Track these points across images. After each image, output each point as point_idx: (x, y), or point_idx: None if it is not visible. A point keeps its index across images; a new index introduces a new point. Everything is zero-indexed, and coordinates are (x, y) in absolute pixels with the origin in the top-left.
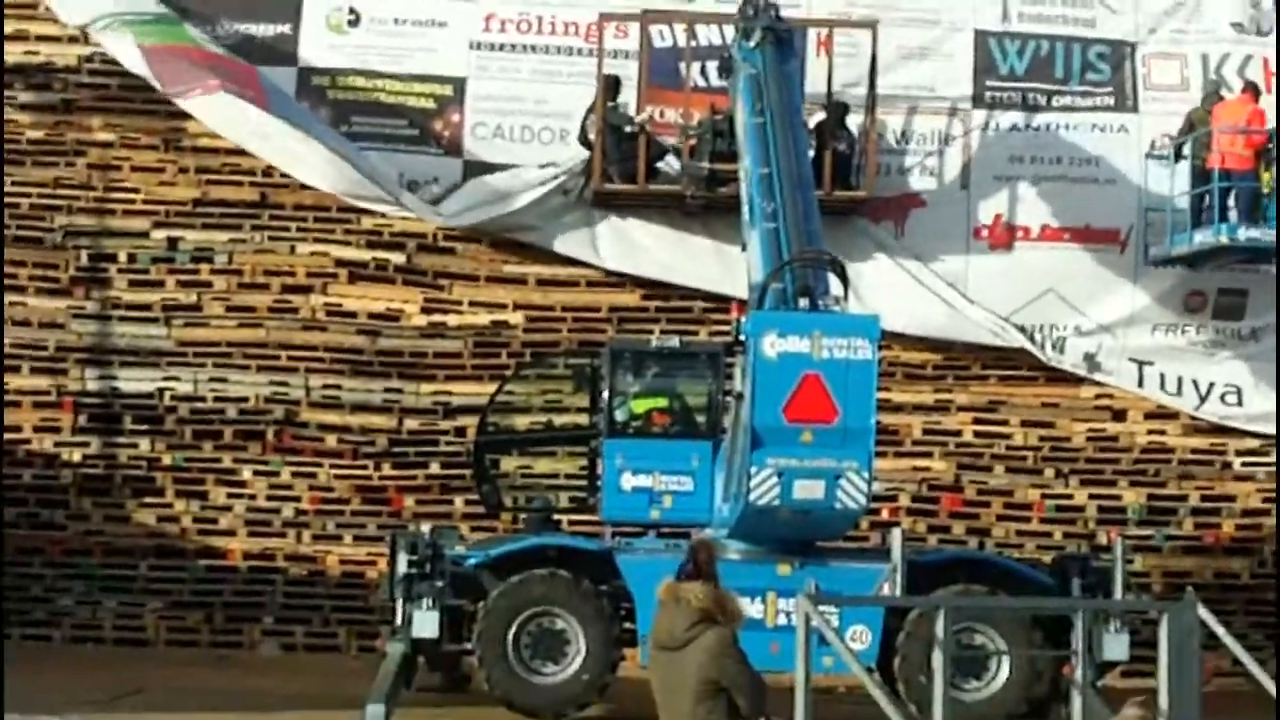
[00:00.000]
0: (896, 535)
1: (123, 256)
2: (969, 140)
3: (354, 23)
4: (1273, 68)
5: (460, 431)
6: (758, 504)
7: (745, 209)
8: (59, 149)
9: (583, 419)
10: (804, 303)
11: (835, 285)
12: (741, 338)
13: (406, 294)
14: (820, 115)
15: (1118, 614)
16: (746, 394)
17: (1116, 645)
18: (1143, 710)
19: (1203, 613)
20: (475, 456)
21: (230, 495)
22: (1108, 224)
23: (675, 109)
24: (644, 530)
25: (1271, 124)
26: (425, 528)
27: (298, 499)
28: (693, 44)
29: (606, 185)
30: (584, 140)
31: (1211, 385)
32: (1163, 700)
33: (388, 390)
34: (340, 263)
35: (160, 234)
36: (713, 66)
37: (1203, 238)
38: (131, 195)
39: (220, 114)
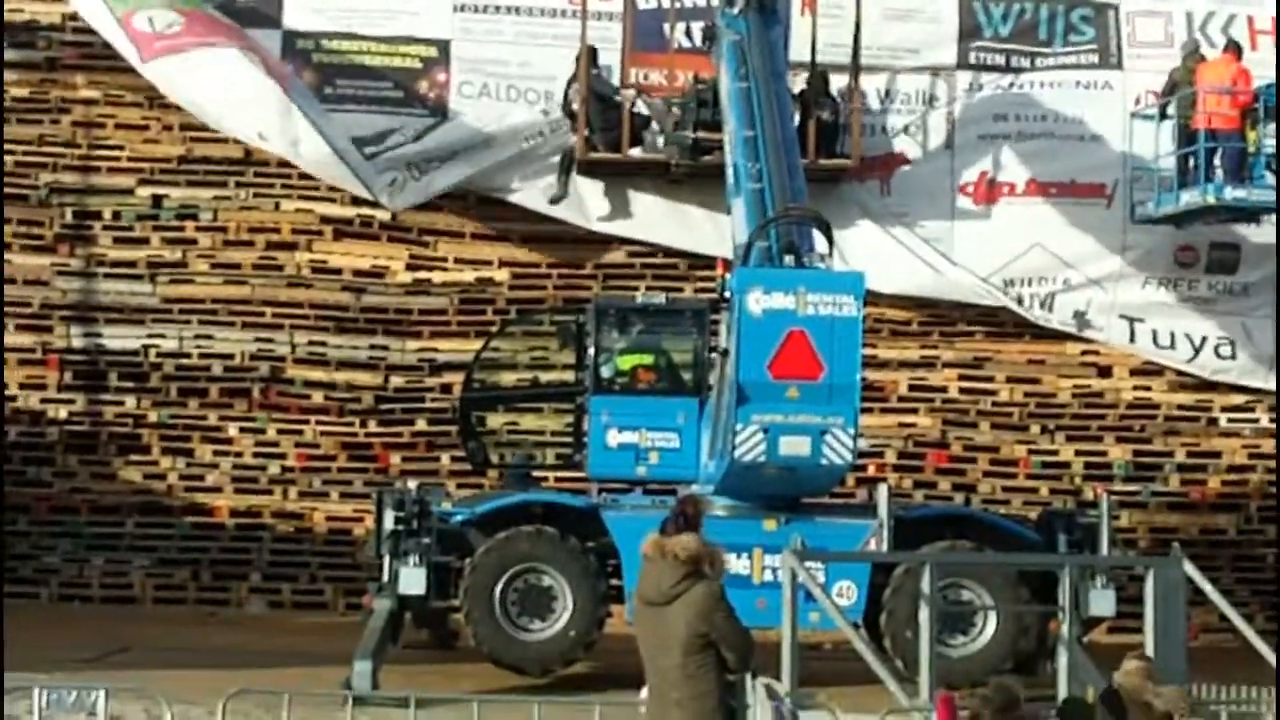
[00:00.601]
0: (883, 491)
1: (107, 213)
2: (953, 101)
3: None
4: (1257, 26)
5: (446, 388)
6: (743, 460)
7: (730, 174)
8: (43, 106)
9: (569, 376)
10: (789, 260)
11: (820, 243)
12: (727, 294)
13: (391, 251)
14: (802, 85)
15: (1104, 570)
16: (732, 350)
17: (1103, 601)
18: (1143, 661)
19: (1189, 568)
20: (461, 413)
21: (216, 452)
22: (1093, 179)
23: (659, 70)
24: (630, 487)
25: (1256, 83)
26: (412, 484)
27: (284, 456)
28: (676, 5)
29: (591, 154)
30: (568, 111)
31: (1205, 339)
32: (1149, 655)
33: (373, 347)
34: (325, 220)
35: (145, 191)
36: (697, 28)
37: (1189, 198)
38: (116, 152)
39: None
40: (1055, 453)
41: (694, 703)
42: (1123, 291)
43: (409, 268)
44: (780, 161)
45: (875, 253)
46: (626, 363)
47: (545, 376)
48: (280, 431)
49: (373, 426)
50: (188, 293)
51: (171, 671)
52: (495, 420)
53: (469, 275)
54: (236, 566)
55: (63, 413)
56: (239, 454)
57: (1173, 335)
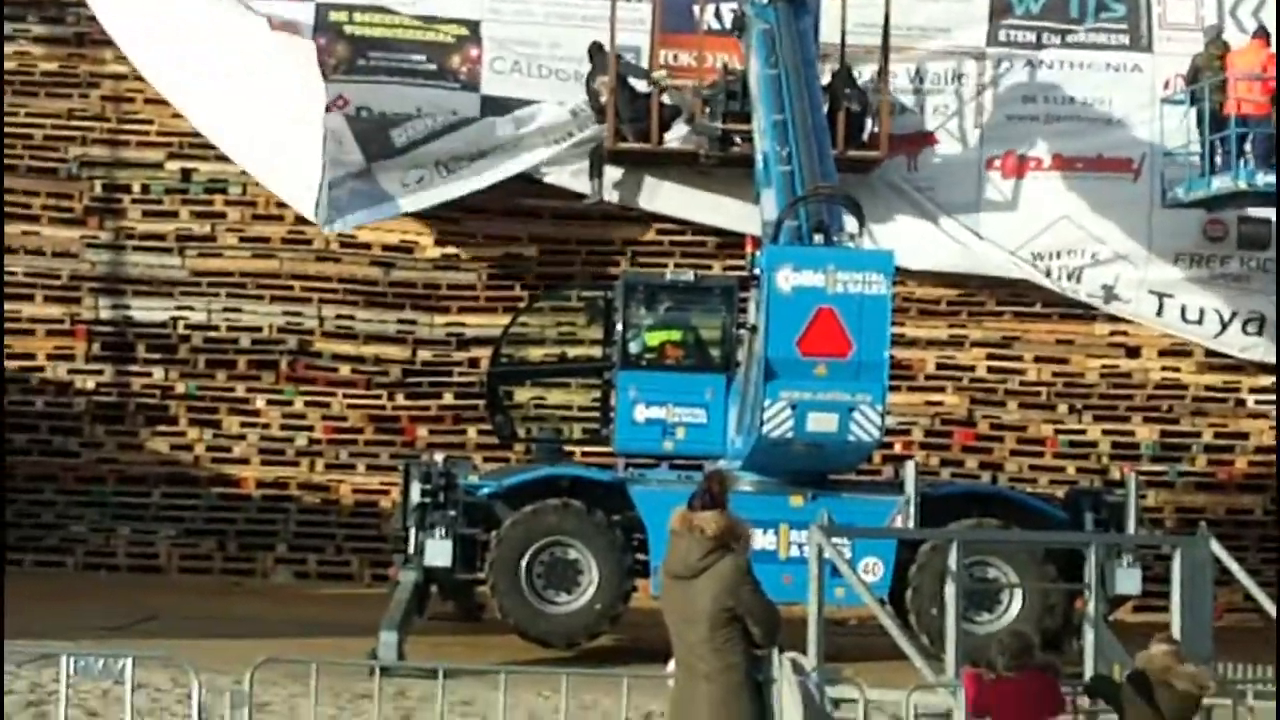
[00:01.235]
0: (910, 468)
1: (136, 187)
2: (983, 80)
3: None
4: None
5: (474, 363)
6: (771, 436)
7: (759, 161)
8: (72, 81)
9: (596, 351)
10: (818, 239)
11: (850, 222)
12: (756, 271)
13: (420, 226)
14: (828, 77)
15: (1130, 548)
16: (761, 327)
17: (1129, 580)
18: (1171, 645)
19: (1215, 548)
20: (489, 387)
21: (243, 424)
22: (1120, 154)
23: (689, 52)
24: (657, 462)
25: None
26: (438, 457)
27: (311, 428)
28: None
29: (620, 144)
30: (594, 103)
31: (1234, 314)
32: (1175, 634)
33: (401, 321)
34: None
35: (174, 165)
36: (727, 9)
37: (1220, 183)
38: (145, 127)
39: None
40: (1083, 432)
41: (721, 676)
42: (1153, 267)
43: (438, 243)
44: (810, 145)
45: (902, 229)
46: (654, 339)
47: (573, 352)
48: (307, 404)
49: (400, 400)
50: (216, 266)
51: (198, 641)
52: (522, 395)
53: (497, 250)
54: (262, 537)
55: (90, 383)
56: (266, 426)
57: (1201, 311)
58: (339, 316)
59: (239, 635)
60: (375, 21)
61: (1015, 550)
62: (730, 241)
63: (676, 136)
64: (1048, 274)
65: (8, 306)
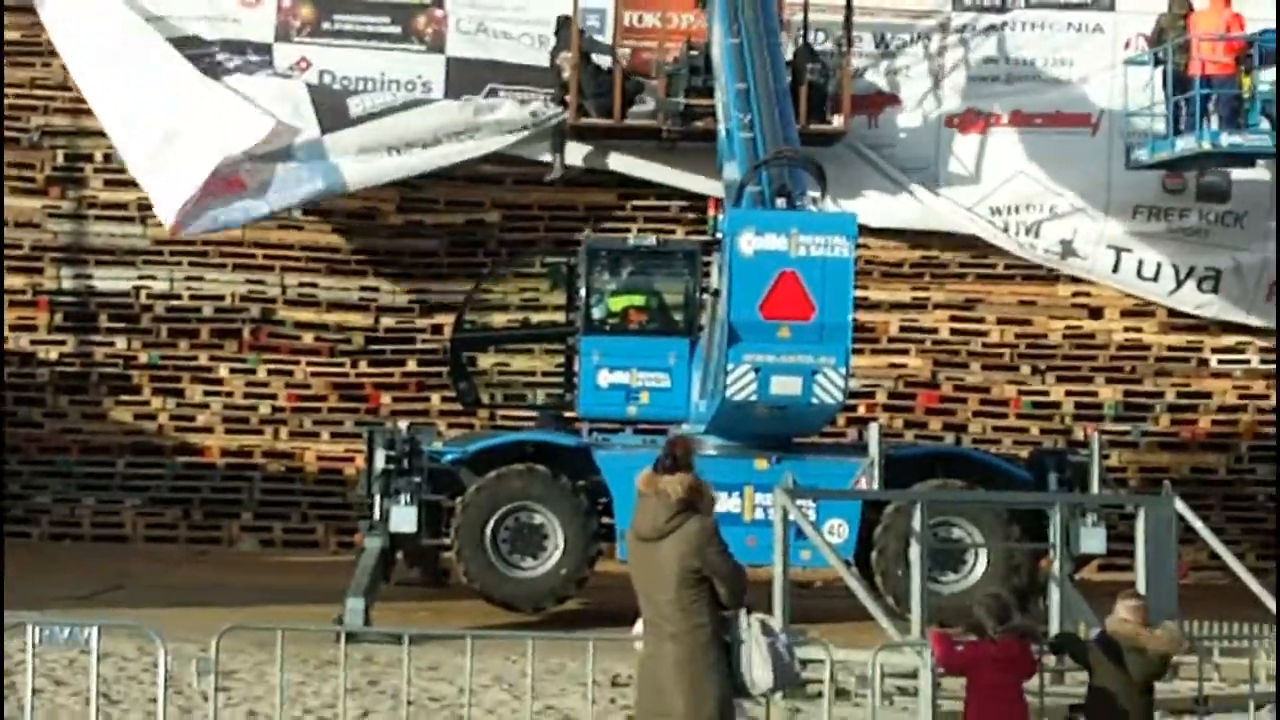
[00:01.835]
0: (874, 430)
1: (99, 156)
2: (945, 42)
3: None
4: None
5: (437, 329)
6: (735, 399)
7: (722, 133)
8: (35, 49)
9: (559, 317)
10: (781, 202)
11: (813, 186)
12: (719, 235)
13: (383, 193)
14: (791, 51)
15: (1094, 508)
16: (723, 291)
17: (1093, 539)
18: (1137, 601)
19: (1180, 507)
20: (452, 354)
21: (207, 393)
22: (1078, 109)
23: (653, 13)
24: (621, 426)
25: (1249, 29)
26: (403, 424)
27: (274, 396)
28: None
29: (582, 120)
30: (558, 80)
31: (1192, 269)
32: (1140, 593)
33: (364, 288)
34: None
35: None
36: None
37: (1184, 144)
38: None
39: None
40: (1046, 393)
41: (687, 636)
42: (1111, 221)
43: (400, 209)
44: (772, 110)
45: (861, 188)
46: (617, 304)
47: (536, 317)
48: (271, 372)
49: (363, 367)
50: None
51: (164, 610)
52: (486, 361)
53: (460, 217)
54: (227, 506)
55: (53, 354)
56: (230, 394)
57: (1158, 267)
58: (301, 284)
59: (205, 603)
60: None
61: (980, 511)
62: (693, 207)
63: (639, 112)
64: (1005, 229)
65: None
